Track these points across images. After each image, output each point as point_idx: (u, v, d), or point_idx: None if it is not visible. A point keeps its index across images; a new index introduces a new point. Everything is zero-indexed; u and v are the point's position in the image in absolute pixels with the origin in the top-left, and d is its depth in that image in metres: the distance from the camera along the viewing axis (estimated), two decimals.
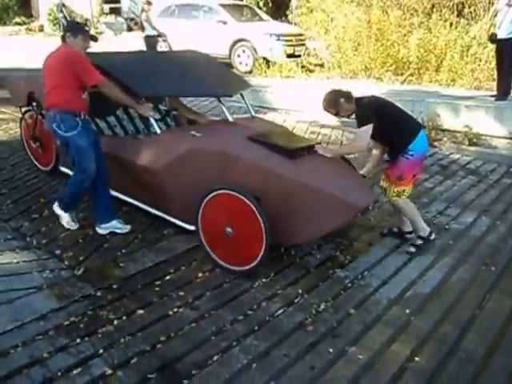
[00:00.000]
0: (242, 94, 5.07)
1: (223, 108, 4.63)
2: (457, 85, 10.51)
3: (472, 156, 7.34)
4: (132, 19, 23.99)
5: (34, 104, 5.46)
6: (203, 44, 12.76)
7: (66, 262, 3.99)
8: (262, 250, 3.62)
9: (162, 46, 12.70)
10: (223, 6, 14.08)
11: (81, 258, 4.05)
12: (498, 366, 3.01)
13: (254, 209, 3.56)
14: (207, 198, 3.81)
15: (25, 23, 26.36)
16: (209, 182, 3.83)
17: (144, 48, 12.24)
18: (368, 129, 3.92)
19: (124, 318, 3.31)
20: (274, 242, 3.67)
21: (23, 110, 5.77)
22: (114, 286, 3.67)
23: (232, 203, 3.69)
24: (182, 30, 13.68)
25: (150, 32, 12.08)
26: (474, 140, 7.68)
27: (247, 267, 3.76)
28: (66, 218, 4.48)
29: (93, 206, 4.55)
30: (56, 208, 4.50)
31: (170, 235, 4.45)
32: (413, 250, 4.31)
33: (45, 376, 2.76)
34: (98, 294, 3.57)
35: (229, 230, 3.73)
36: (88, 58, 4.06)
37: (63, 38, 4.21)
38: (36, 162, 5.92)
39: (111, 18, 24.20)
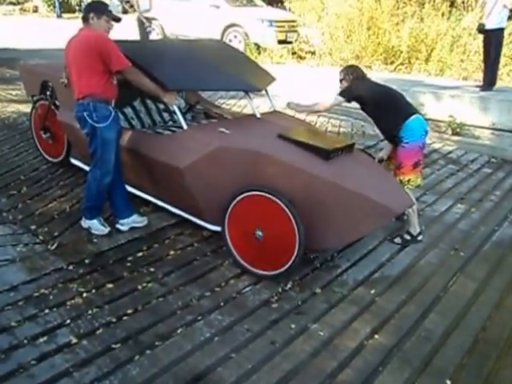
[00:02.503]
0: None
1: (251, 103, 4.50)
2: (445, 75, 10.57)
3: (454, 145, 7.39)
4: (127, 1, 23.81)
5: (48, 93, 5.23)
6: (195, 28, 12.70)
7: (41, 237, 4.06)
8: (295, 254, 3.46)
9: (154, 29, 12.68)
10: None
11: (55, 234, 4.11)
12: (455, 344, 3.12)
13: (288, 212, 3.39)
14: (237, 199, 3.62)
15: (19, 3, 26.17)
16: (238, 182, 3.68)
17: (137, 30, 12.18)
18: (341, 101, 4.30)
19: (93, 291, 3.39)
20: (306, 246, 3.50)
21: (35, 98, 5.56)
22: (86, 261, 3.75)
23: (264, 205, 3.51)
24: (175, 12, 13.56)
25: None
26: (458, 130, 7.74)
27: (276, 272, 3.60)
28: (94, 226, 4.11)
29: (110, 202, 4.28)
30: (83, 222, 4.16)
31: (145, 213, 4.48)
32: (399, 241, 4.33)
33: (11, 343, 2.85)
34: (70, 268, 3.65)
35: (259, 233, 3.57)
36: (113, 42, 3.78)
37: (85, 20, 3.87)
38: (45, 154, 5.66)
39: (105, 0, 24.05)
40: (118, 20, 4.02)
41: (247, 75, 4.67)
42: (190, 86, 4.70)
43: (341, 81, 4.42)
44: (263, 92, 4.73)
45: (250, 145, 3.78)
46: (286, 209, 3.41)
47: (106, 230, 4.13)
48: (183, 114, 4.65)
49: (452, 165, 6.58)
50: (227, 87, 5.06)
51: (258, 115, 4.42)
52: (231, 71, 4.53)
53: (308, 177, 3.54)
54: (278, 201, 3.44)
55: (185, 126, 4.10)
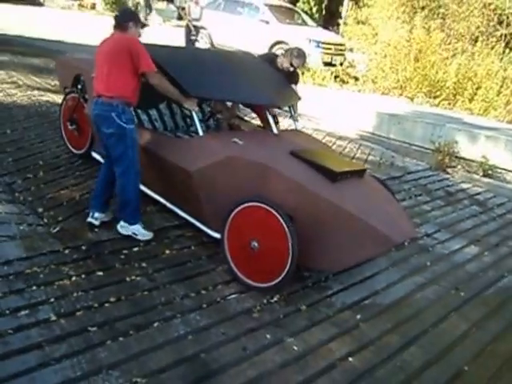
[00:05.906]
0: (290, 106, 5.07)
1: (269, 118, 4.54)
2: (489, 116, 10.34)
3: (483, 187, 7.23)
4: (183, 8, 24.31)
5: (79, 87, 5.40)
6: (243, 41, 12.87)
7: (45, 220, 4.19)
8: (286, 270, 3.47)
9: (202, 37, 12.96)
10: (269, 6, 14.10)
11: (60, 218, 4.23)
12: (429, 379, 3.08)
13: (285, 226, 3.42)
14: (239, 208, 3.66)
15: None
16: (243, 193, 3.73)
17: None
18: None
19: (83, 276, 3.50)
20: (299, 264, 3.54)
21: (67, 90, 5.74)
22: (83, 248, 3.85)
23: (263, 217, 3.55)
24: (224, 24, 13.85)
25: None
26: (489, 172, 7.57)
27: (266, 285, 3.62)
28: (140, 231, 4.11)
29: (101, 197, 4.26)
30: (122, 230, 4.12)
31: (151, 212, 4.56)
32: None
33: None
34: (66, 251, 3.76)
35: (254, 243, 3.59)
36: (143, 45, 3.91)
37: (122, 27, 3.97)
38: (69, 144, 5.78)
39: (162, 5, 24.62)
40: (143, 26, 4.21)
41: (271, 90, 4.72)
42: (211, 95, 4.74)
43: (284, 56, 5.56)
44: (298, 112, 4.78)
45: (258, 157, 3.85)
46: (283, 224, 3.43)
47: (151, 234, 4.15)
48: (205, 121, 4.75)
49: (476, 206, 6.43)
50: (248, 100, 5.05)
51: (275, 131, 4.47)
52: (255, 84, 4.60)
53: (311, 196, 3.57)
54: (277, 215, 3.46)
55: (201, 133, 4.20)
